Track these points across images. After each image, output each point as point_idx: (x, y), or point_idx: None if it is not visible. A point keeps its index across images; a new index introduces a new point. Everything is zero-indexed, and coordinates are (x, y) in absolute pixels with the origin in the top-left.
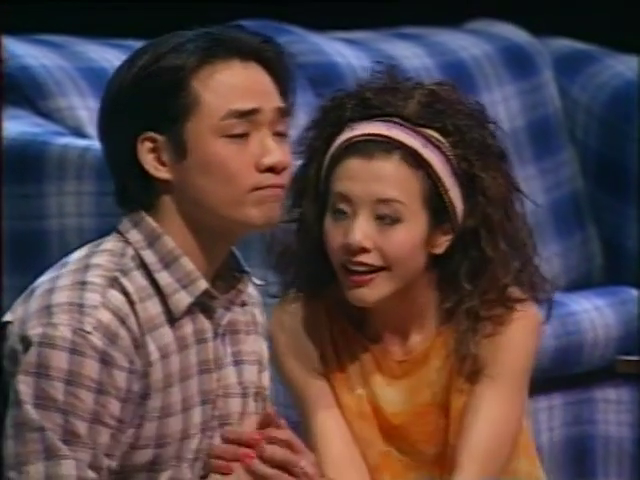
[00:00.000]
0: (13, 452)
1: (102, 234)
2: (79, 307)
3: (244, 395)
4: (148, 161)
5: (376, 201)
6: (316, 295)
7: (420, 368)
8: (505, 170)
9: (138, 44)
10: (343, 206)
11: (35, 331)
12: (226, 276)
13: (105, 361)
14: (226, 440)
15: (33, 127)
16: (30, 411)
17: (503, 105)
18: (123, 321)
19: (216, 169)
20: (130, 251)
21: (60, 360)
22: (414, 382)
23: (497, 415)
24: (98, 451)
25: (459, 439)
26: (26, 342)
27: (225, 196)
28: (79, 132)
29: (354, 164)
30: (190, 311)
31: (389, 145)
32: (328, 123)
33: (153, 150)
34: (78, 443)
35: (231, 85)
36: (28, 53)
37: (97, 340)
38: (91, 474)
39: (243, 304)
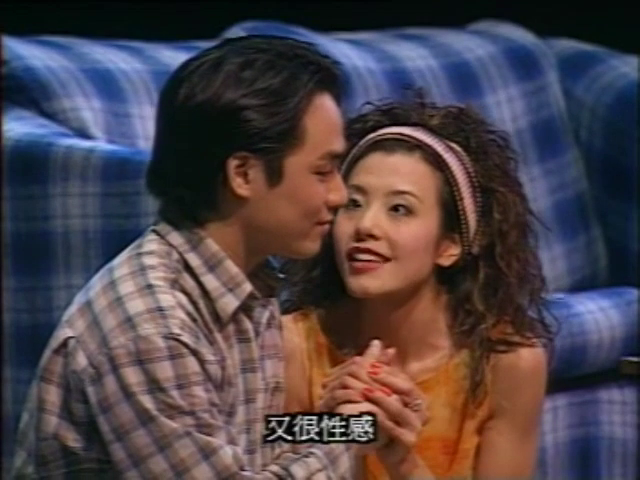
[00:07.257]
0: (167, 466)
1: (106, 235)
2: (159, 311)
3: (266, 390)
4: (234, 177)
5: (391, 193)
6: (316, 307)
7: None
8: (522, 195)
9: (143, 45)
10: (357, 196)
11: (125, 349)
12: (257, 273)
13: (198, 357)
14: (353, 375)
15: (38, 128)
16: (166, 423)
17: (507, 106)
18: (194, 319)
19: (302, 202)
20: (175, 254)
21: (164, 370)
22: None
23: (513, 461)
24: (227, 429)
25: None
26: (114, 360)
27: (297, 228)
28: (84, 133)
29: (373, 158)
30: (234, 312)
31: (411, 144)
32: (351, 133)
33: (241, 166)
34: (215, 431)
35: (330, 125)
36: (33, 54)
37: (187, 339)
38: (237, 449)
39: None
